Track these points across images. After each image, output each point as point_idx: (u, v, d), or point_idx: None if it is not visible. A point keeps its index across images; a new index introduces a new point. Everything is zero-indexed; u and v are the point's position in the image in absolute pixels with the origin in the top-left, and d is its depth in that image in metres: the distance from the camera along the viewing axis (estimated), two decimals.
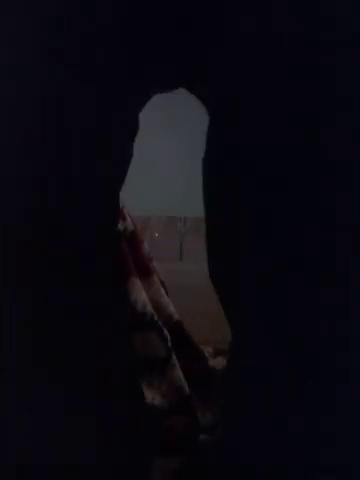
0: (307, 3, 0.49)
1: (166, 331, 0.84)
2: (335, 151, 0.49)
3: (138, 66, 0.55)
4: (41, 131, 0.52)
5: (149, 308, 0.84)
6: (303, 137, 0.49)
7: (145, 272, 0.87)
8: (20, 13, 0.53)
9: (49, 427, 0.54)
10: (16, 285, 0.54)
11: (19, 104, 0.53)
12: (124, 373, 0.60)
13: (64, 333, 0.54)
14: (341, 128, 0.49)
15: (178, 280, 1.07)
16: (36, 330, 0.54)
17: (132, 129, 0.58)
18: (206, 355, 0.93)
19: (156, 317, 0.84)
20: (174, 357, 0.84)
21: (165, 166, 1.57)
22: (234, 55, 0.51)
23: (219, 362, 0.92)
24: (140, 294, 0.84)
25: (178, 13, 0.52)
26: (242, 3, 0.50)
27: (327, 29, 0.49)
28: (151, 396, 0.80)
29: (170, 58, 0.55)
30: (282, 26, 0.50)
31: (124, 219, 0.86)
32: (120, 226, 0.83)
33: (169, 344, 0.83)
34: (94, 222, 0.55)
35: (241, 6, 0.50)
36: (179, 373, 0.83)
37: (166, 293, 0.89)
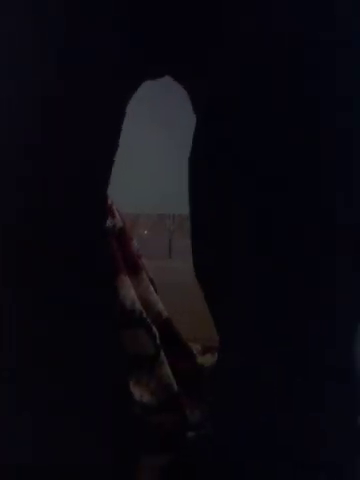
0: (307, 3, 0.49)
1: (155, 328, 0.84)
2: (334, 150, 0.49)
3: (132, 61, 0.54)
4: (31, 127, 0.52)
5: (138, 305, 0.84)
6: (301, 136, 0.49)
7: (134, 269, 0.87)
8: (19, 10, 0.52)
9: (38, 426, 0.54)
10: (13, 285, 0.53)
11: (11, 103, 0.52)
12: (114, 371, 0.60)
13: (60, 332, 0.54)
14: (340, 128, 0.49)
15: (167, 278, 1.07)
16: (34, 330, 0.54)
17: (120, 120, 0.58)
18: (194, 352, 0.93)
19: (145, 314, 0.84)
20: (163, 354, 0.84)
21: (155, 163, 1.57)
22: (233, 54, 0.51)
23: (207, 359, 0.92)
24: (129, 291, 0.84)
25: (177, 10, 0.52)
26: (242, 2, 0.50)
27: (327, 29, 0.50)
28: (139, 393, 0.80)
29: (166, 54, 0.55)
30: (282, 26, 0.50)
31: (113, 216, 0.86)
32: (109, 223, 0.83)
33: (158, 341, 0.83)
34: (84, 218, 0.55)
35: (241, 5, 0.50)
36: (167, 370, 0.83)
37: (155, 290, 0.89)
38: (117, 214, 0.87)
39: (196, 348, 0.96)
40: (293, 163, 0.50)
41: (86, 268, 0.55)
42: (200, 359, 0.93)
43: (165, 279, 0.97)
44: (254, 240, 0.52)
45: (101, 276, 0.58)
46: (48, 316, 0.54)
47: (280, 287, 0.51)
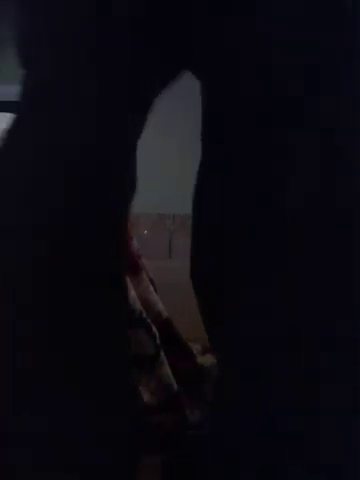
0: (307, 4, 0.50)
1: (155, 328, 0.84)
2: (335, 152, 0.49)
3: (144, 63, 0.55)
4: (47, 130, 0.53)
5: (138, 305, 0.84)
6: (302, 137, 0.49)
7: (134, 269, 0.87)
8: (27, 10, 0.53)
9: (38, 426, 0.54)
10: (15, 285, 0.54)
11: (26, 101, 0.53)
12: (115, 371, 0.60)
13: (63, 332, 0.54)
14: (341, 127, 0.49)
15: (167, 277, 1.07)
16: (35, 330, 0.54)
17: (135, 123, 0.59)
18: (194, 352, 0.93)
19: (145, 314, 0.84)
20: (163, 354, 0.84)
21: (155, 164, 1.57)
22: (234, 55, 0.51)
23: (207, 359, 0.92)
24: (129, 291, 0.84)
25: (183, 14, 0.53)
26: (243, 4, 0.51)
27: (328, 30, 0.50)
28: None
29: (172, 56, 0.56)
30: (282, 27, 0.50)
31: None
32: None
33: (158, 341, 0.83)
34: (93, 218, 0.55)
35: (242, 7, 0.51)
36: (167, 370, 0.83)
37: (155, 290, 0.89)
38: None
39: (196, 348, 0.96)
40: (294, 164, 0.50)
41: (94, 268, 0.55)
42: (200, 359, 0.93)
43: (165, 279, 0.97)
44: (255, 245, 0.52)
45: (111, 277, 0.58)
46: (49, 316, 0.54)
47: (279, 289, 0.51)
